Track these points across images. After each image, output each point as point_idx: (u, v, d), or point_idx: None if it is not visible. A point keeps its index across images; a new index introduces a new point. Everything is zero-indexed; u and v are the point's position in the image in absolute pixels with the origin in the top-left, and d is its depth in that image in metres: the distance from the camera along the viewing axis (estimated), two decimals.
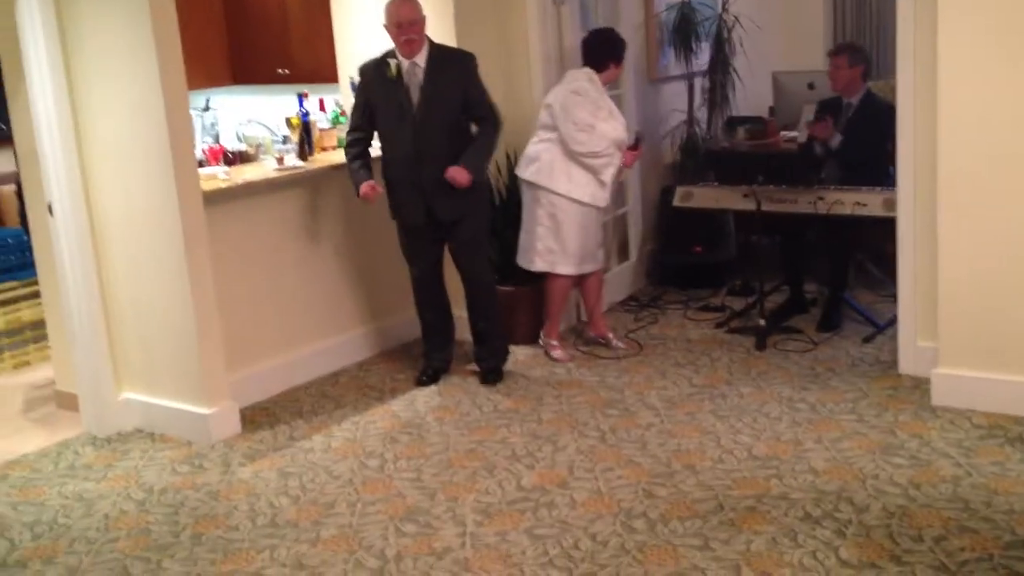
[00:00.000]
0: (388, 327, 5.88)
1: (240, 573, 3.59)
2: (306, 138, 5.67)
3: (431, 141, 4.90)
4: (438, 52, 4.97)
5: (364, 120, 5.05)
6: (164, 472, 4.48)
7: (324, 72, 6.24)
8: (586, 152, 5.27)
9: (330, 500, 4.09)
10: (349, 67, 5.92)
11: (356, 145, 5.07)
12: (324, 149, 5.91)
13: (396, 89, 4.90)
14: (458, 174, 4.88)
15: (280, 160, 5.47)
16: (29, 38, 4.65)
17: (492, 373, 5.29)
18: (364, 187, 4.98)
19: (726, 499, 3.85)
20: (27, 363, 6.14)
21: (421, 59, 4.90)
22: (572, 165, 5.32)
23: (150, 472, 4.50)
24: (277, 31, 6.55)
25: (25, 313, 6.15)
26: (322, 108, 6.20)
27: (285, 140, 6.03)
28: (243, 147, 6.14)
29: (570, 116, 5.25)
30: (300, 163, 5.50)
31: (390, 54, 4.95)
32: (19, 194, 5.72)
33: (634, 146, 5.44)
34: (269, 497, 4.15)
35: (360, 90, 5.09)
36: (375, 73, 4.98)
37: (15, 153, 5.35)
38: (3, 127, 5.98)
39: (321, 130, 5.96)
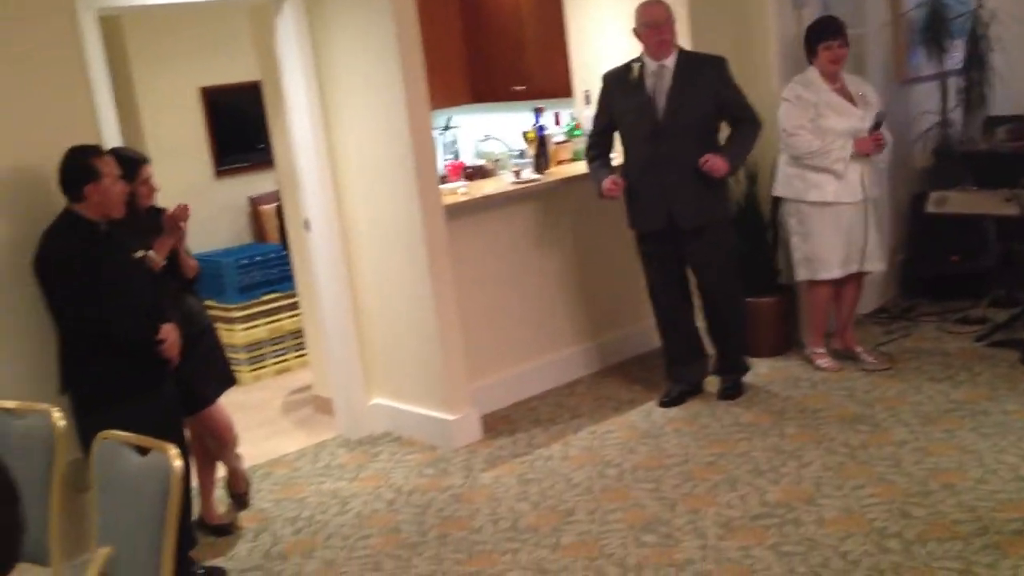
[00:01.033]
0: (622, 338, 5.87)
1: (484, 574, 3.67)
2: (542, 151, 5.76)
3: (677, 145, 4.83)
4: (686, 56, 4.92)
5: (606, 126, 5.07)
6: (411, 474, 4.66)
7: (559, 87, 6.32)
8: (802, 154, 5.11)
9: (569, 507, 4.12)
10: (583, 81, 5.97)
11: (596, 148, 5.09)
12: (560, 162, 5.99)
13: (640, 93, 4.88)
14: (716, 162, 4.77)
15: (517, 174, 5.59)
16: (288, 66, 4.98)
17: (732, 387, 5.16)
18: (606, 182, 4.95)
19: (990, 521, 3.59)
20: (288, 369, 6.56)
21: (670, 62, 4.86)
22: (804, 169, 5.16)
23: (398, 474, 4.69)
24: (513, 49, 6.71)
25: (286, 322, 6.58)
26: (557, 122, 6.29)
27: (521, 154, 6.15)
28: (481, 162, 6.31)
29: (780, 124, 5.16)
30: (536, 176, 5.60)
31: (634, 60, 4.95)
32: (279, 212, 6.12)
33: (875, 128, 5.16)
34: (510, 502, 4.23)
35: (602, 96, 5.10)
36: (619, 79, 4.98)
37: (275, 173, 5.74)
38: (263, 150, 6.43)
39: (556, 143, 6.04)
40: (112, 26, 6.21)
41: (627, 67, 4.96)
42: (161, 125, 6.85)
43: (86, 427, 3.22)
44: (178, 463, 2.62)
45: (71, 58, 4.03)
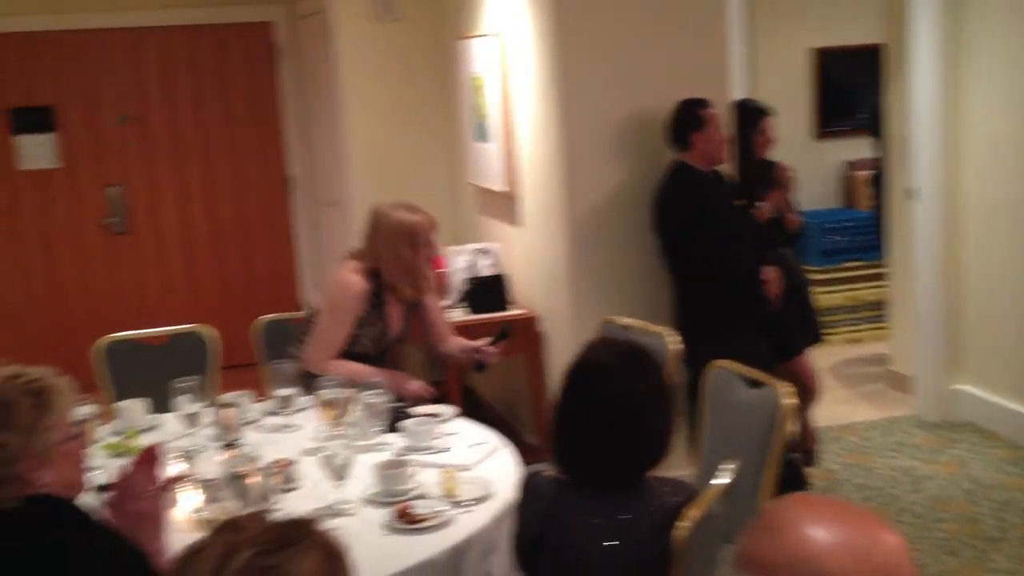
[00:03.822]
0: None
1: None
2: None
3: None
4: None
5: None
6: (991, 468, 4.37)
7: None
8: None
9: None
10: None
11: None
12: None
13: None
14: None
15: None
16: (915, 29, 4.81)
17: None
18: None
19: None
20: (859, 339, 6.45)
21: None
22: None
23: (977, 465, 4.41)
24: None
25: (864, 292, 6.45)
26: None
27: None
28: None
29: None
30: None
31: None
32: (875, 179, 5.99)
33: None
34: None
35: None
36: None
37: (876, 140, 5.60)
38: (865, 116, 6.30)
39: None
40: None
41: None
42: (768, 81, 7.00)
43: (695, 359, 3.46)
44: (788, 400, 2.72)
45: (713, 5, 4.24)
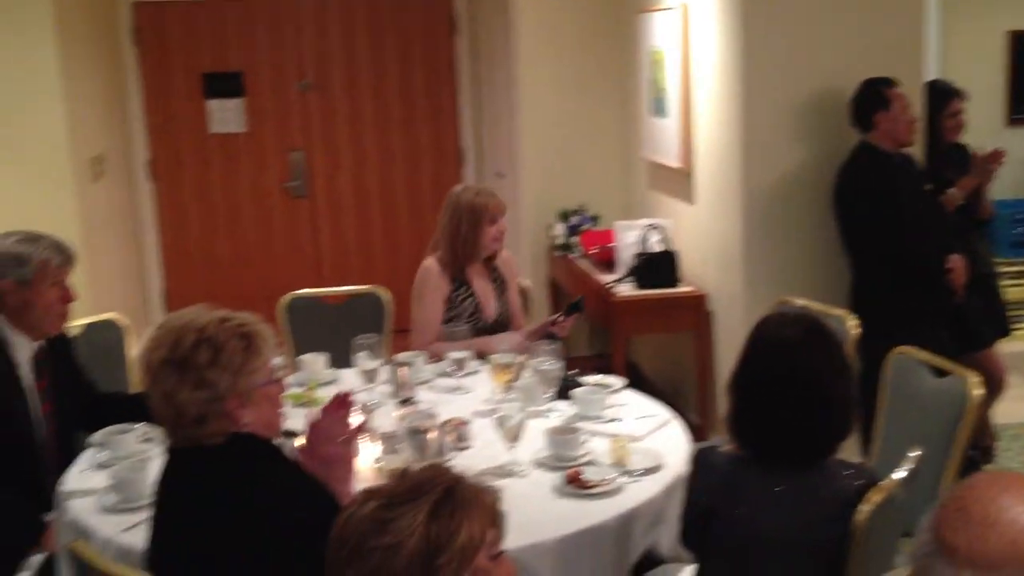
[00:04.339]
0: None
1: None
2: None
3: None
4: None
5: None
6: None
7: None
8: None
9: None
10: None
11: None
12: None
13: None
14: None
15: None
16: None
17: None
18: None
19: None
20: None
21: None
22: None
23: None
24: None
25: None
26: None
27: None
28: None
29: None
30: None
31: None
32: None
33: None
34: None
35: None
36: None
37: None
38: None
39: None
40: None
41: None
42: (960, 64, 6.68)
43: (872, 348, 3.34)
44: (978, 391, 2.62)
45: None
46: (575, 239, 5.32)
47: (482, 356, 3.37)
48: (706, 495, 2.21)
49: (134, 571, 1.97)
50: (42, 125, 4.87)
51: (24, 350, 2.91)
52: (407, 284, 3.82)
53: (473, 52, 6.51)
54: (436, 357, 3.43)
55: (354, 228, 6.73)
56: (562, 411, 2.99)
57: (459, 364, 3.35)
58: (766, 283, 4.06)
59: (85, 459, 2.79)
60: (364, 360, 3.19)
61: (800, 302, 3.49)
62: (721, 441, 2.28)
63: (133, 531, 2.31)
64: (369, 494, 1.43)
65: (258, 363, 1.96)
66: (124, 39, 6.22)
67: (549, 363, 3.07)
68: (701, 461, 2.27)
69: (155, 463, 2.49)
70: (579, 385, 3.13)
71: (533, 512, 2.38)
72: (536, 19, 5.51)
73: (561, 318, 3.54)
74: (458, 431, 2.79)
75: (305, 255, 6.67)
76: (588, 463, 2.60)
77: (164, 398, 1.91)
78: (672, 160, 4.76)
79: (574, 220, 5.41)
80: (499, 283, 3.75)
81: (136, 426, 2.87)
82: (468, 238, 3.62)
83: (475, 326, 3.61)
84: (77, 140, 5.10)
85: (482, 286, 3.71)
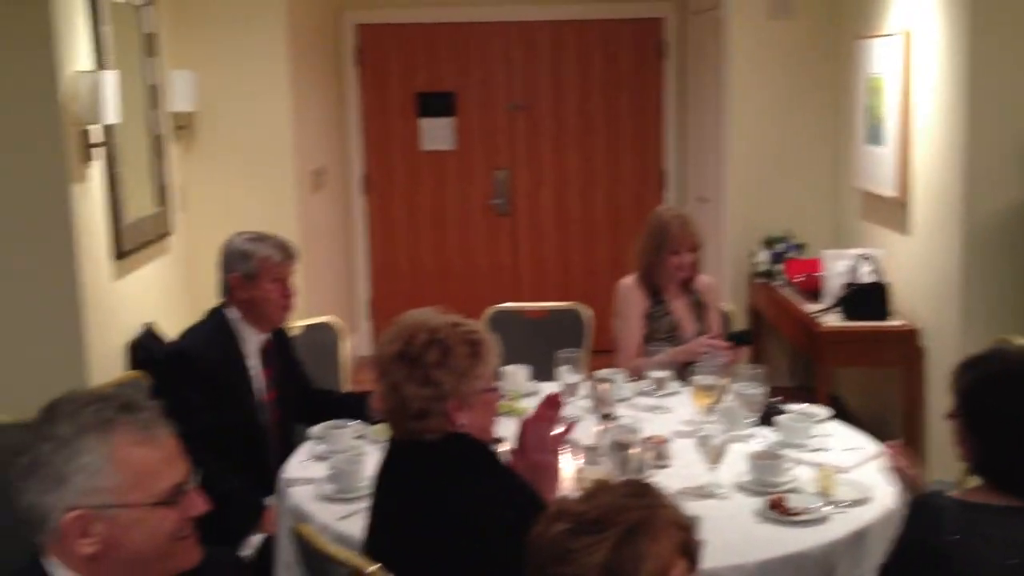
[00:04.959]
0: None
1: None
2: None
3: None
4: None
5: None
6: None
7: None
8: None
9: None
10: None
11: None
12: None
13: None
14: None
15: None
16: None
17: None
18: None
19: None
20: None
21: None
22: None
23: None
24: None
25: None
26: None
27: None
28: None
29: None
30: None
31: None
32: None
33: None
34: None
35: None
36: None
37: None
38: None
39: None
40: None
41: None
42: None
43: None
44: None
45: None
46: (778, 267, 5.22)
47: (683, 372, 3.38)
48: (931, 541, 2.09)
49: (353, 554, 2.08)
50: (272, 138, 5.21)
51: (252, 341, 3.13)
52: (604, 304, 3.88)
53: (681, 75, 6.51)
54: (637, 375, 3.45)
55: (554, 246, 6.84)
56: (765, 437, 2.95)
57: (659, 383, 3.36)
58: (985, 320, 3.88)
59: (304, 450, 2.96)
60: (566, 374, 3.24)
61: (1022, 341, 3.32)
62: (946, 485, 2.18)
63: (349, 520, 2.44)
64: (560, 512, 1.44)
65: (481, 370, 2.05)
66: (347, 59, 6.56)
67: (752, 388, 3.03)
68: (925, 504, 2.16)
69: (370, 458, 2.62)
70: (782, 412, 3.08)
71: (734, 534, 2.36)
72: (749, 44, 5.46)
73: (722, 342, 3.51)
74: (658, 449, 2.79)
75: (505, 271, 6.82)
76: (792, 490, 2.55)
77: (391, 389, 2.02)
78: (887, 189, 4.61)
79: (779, 247, 5.31)
80: (698, 307, 3.75)
81: (351, 423, 3.02)
82: (653, 261, 3.69)
83: (673, 345, 3.61)
84: (301, 153, 5.42)
85: (680, 307, 3.72)
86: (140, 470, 1.48)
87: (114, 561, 1.47)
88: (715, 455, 2.58)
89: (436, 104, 6.70)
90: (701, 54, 6.12)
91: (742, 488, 2.60)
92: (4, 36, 3.62)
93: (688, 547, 1.45)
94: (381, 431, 2.96)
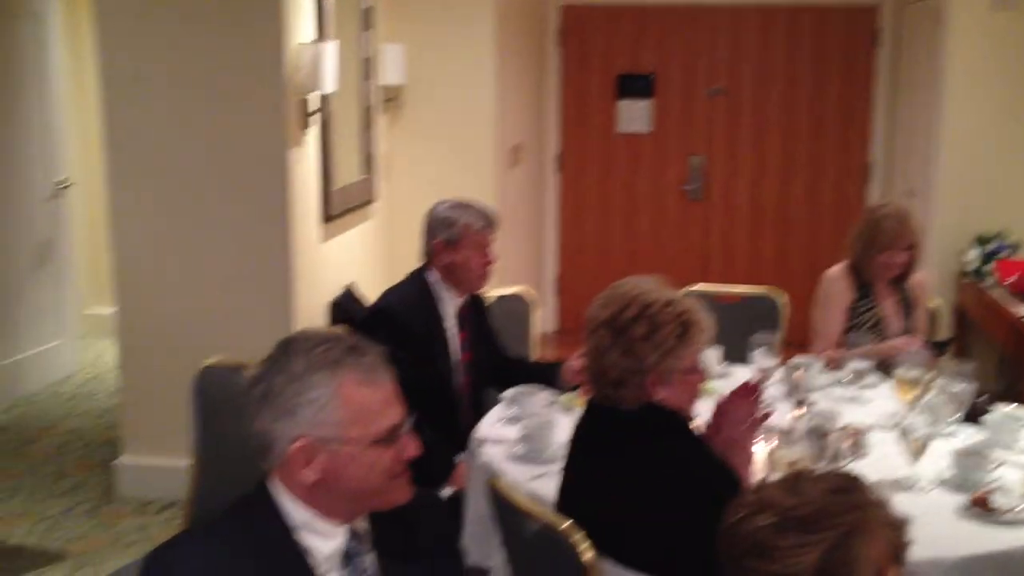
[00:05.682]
0: None
1: None
2: None
3: None
4: None
5: None
6: None
7: None
8: None
9: None
10: None
11: None
12: None
13: None
14: None
15: None
16: None
17: None
18: None
19: None
20: None
21: None
22: None
23: None
24: None
25: None
26: None
27: None
28: None
29: None
30: None
31: None
32: None
33: None
34: None
35: None
36: None
37: None
38: None
39: None
40: None
41: None
42: None
43: None
44: None
45: None
46: (989, 266, 4.96)
47: (881, 366, 3.29)
48: None
49: (546, 509, 2.13)
50: (475, 114, 5.34)
51: (451, 304, 3.23)
52: (795, 296, 3.79)
53: (894, 65, 6.26)
54: (834, 364, 3.37)
55: (746, 235, 6.71)
56: (969, 434, 2.83)
57: (858, 375, 3.26)
58: None
59: (496, 412, 3.03)
60: (761, 357, 3.20)
61: None
62: None
63: (540, 480, 2.49)
64: (762, 502, 1.39)
65: (687, 351, 2.05)
66: (550, 39, 6.63)
67: (960, 384, 2.91)
68: None
69: (560, 425, 2.67)
70: (988, 411, 2.94)
71: (935, 528, 2.28)
72: (970, 35, 5.18)
73: (923, 345, 3.41)
74: (855, 439, 2.72)
75: (694, 257, 6.74)
76: (996, 489, 2.44)
77: (595, 353, 2.05)
78: None
79: (991, 246, 5.04)
80: (906, 304, 3.63)
81: (543, 390, 3.08)
82: (863, 258, 3.58)
83: (876, 340, 3.51)
84: (502, 130, 5.53)
85: (888, 303, 3.62)
86: (362, 409, 1.55)
87: (332, 491, 1.56)
88: (917, 449, 2.50)
89: (635, 86, 6.67)
90: (917, 42, 5.85)
91: (944, 483, 2.51)
92: (239, 9, 3.85)
93: (899, 549, 1.41)
94: (572, 399, 3.01)
